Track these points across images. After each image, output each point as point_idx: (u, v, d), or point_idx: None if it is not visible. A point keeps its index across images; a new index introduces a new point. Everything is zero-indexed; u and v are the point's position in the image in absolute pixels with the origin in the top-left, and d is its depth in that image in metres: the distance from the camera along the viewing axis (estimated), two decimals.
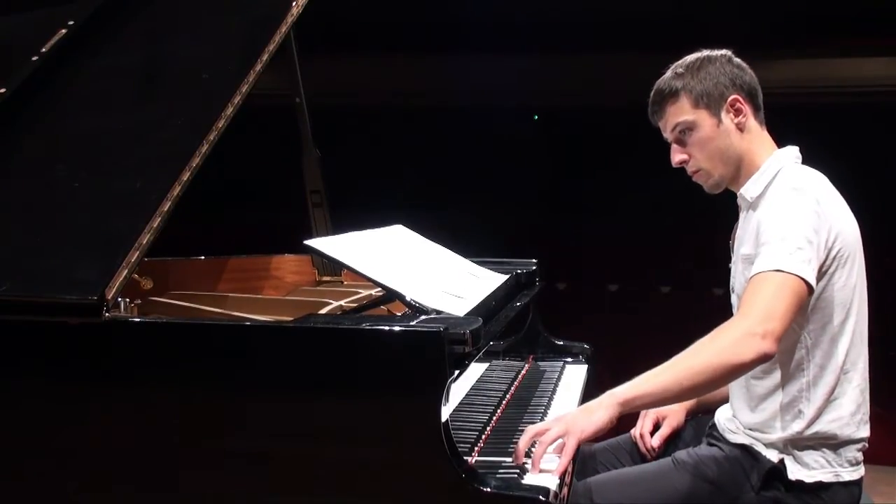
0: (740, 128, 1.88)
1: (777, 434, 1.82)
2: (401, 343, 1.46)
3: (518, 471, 1.64)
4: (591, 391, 2.35)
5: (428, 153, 4.81)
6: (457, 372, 1.47)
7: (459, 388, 2.07)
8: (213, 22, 2.18)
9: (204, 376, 1.53)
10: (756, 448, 1.85)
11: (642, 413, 2.14)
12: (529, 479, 1.60)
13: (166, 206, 1.65)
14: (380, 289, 1.85)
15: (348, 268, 1.81)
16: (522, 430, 1.89)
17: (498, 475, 1.61)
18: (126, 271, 1.56)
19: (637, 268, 4.91)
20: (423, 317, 1.61)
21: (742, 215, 1.95)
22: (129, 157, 1.84)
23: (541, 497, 1.43)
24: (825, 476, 1.80)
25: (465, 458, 1.48)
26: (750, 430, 1.88)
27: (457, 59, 4.69)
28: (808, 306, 1.76)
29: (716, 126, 1.87)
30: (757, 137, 1.91)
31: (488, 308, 1.84)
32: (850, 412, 1.84)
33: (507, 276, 2.24)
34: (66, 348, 1.57)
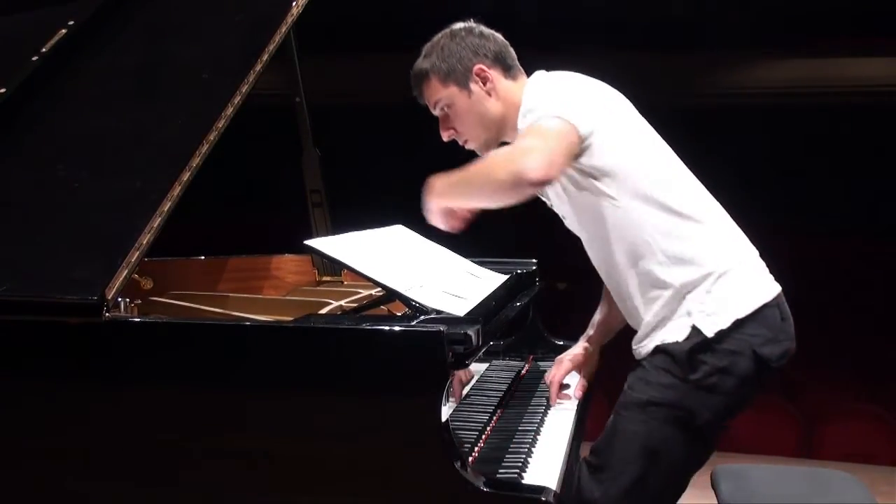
0: (490, 93, 2.00)
1: (667, 304, 1.83)
2: (401, 343, 1.46)
3: (518, 470, 1.64)
4: (591, 391, 2.35)
5: (428, 153, 4.80)
6: (457, 372, 1.47)
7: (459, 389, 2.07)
8: (213, 22, 2.18)
9: (204, 376, 1.54)
10: (666, 341, 1.84)
11: (556, 361, 2.21)
12: (529, 478, 1.61)
13: (166, 206, 1.65)
14: (380, 289, 1.85)
15: (348, 268, 1.81)
16: (522, 430, 1.89)
17: (498, 475, 1.61)
18: (126, 271, 1.56)
19: None
20: (423, 317, 1.61)
21: None
22: (129, 157, 1.84)
23: (541, 497, 1.43)
24: (739, 312, 1.80)
25: (465, 458, 1.48)
26: (646, 330, 1.88)
27: None
28: (604, 173, 1.83)
29: (467, 97, 2.00)
30: (512, 91, 2.01)
31: (488, 308, 1.84)
32: (708, 238, 1.87)
33: (507, 276, 2.24)
34: (66, 348, 1.57)
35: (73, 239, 1.69)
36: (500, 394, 2.13)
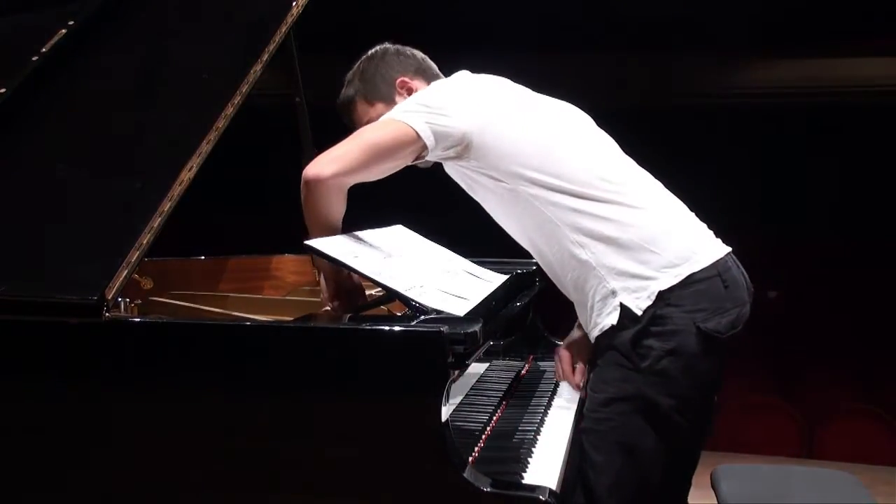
0: None
1: (591, 278, 1.82)
2: (401, 343, 1.46)
3: (518, 470, 1.64)
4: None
5: None
6: (457, 372, 1.47)
7: (459, 388, 2.07)
8: (213, 22, 2.18)
9: (204, 376, 1.54)
10: (603, 327, 1.82)
11: (557, 353, 2.19)
12: (529, 478, 1.61)
13: (166, 206, 1.65)
14: (380, 289, 1.85)
15: (348, 268, 1.81)
16: (522, 430, 1.89)
17: (498, 475, 1.61)
18: (126, 271, 1.56)
19: None
20: (423, 317, 1.61)
21: None
22: (129, 157, 1.84)
23: (541, 497, 1.43)
24: (663, 283, 1.77)
25: (465, 458, 1.48)
26: (588, 303, 1.86)
27: (457, 58, 4.69)
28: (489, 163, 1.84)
29: None
30: None
31: (488, 308, 1.84)
32: (623, 211, 1.83)
33: (507, 276, 2.24)
34: (66, 348, 1.57)
35: (73, 239, 1.69)
36: (500, 394, 2.13)
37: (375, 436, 1.46)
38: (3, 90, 1.98)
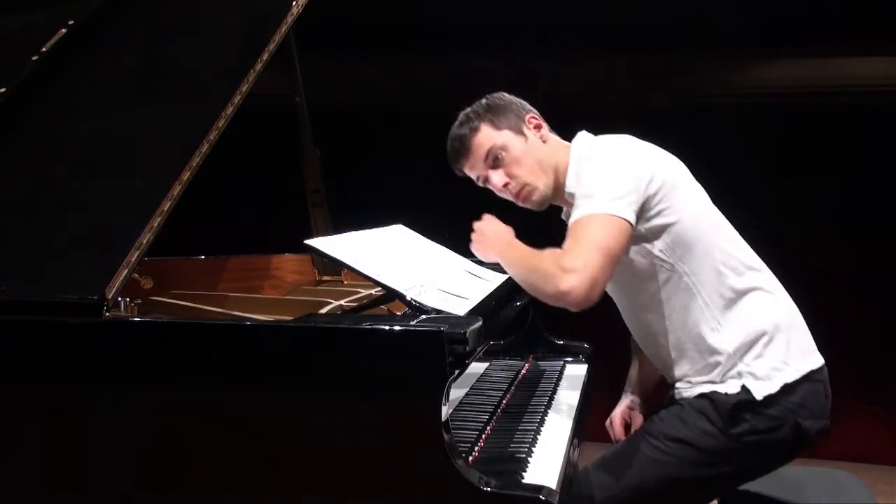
0: (544, 139, 2.01)
1: (717, 366, 1.85)
2: (401, 343, 1.46)
3: (518, 470, 1.64)
4: (591, 391, 2.35)
5: (427, 153, 4.80)
6: (457, 372, 1.47)
7: (459, 388, 2.07)
8: (213, 22, 2.18)
9: (204, 376, 1.54)
10: (714, 390, 1.86)
11: (608, 427, 2.22)
12: (529, 478, 1.61)
13: (166, 206, 1.65)
14: (380, 288, 1.85)
15: (348, 267, 1.81)
16: (522, 430, 1.89)
17: (498, 475, 1.61)
18: (126, 271, 1.56)
19: None
20: (423, 316, 1.61)
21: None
22: (129, 157, 1.84)
23: (541, 497, 1.43)
24: (787, 377, 1.84)
25: (465, 457, 1.48)
26: (694, 378, 1.90)
27: (457, 58, 4.69)
28: (665, 242, 1.85)
29: (524, 142, 1.99)
30: (558, 145, 2.03)
31: (488, 308, 1.84)
32: (761, 303, 1.89)
33: (507, 276, 2.24)
34: (66, 348, 1.57)
35: (73, 239, 1.69)
36: (500, 394, 2.13)
37: (375, 435, 1.46)
38: (3, 90, 1.98)
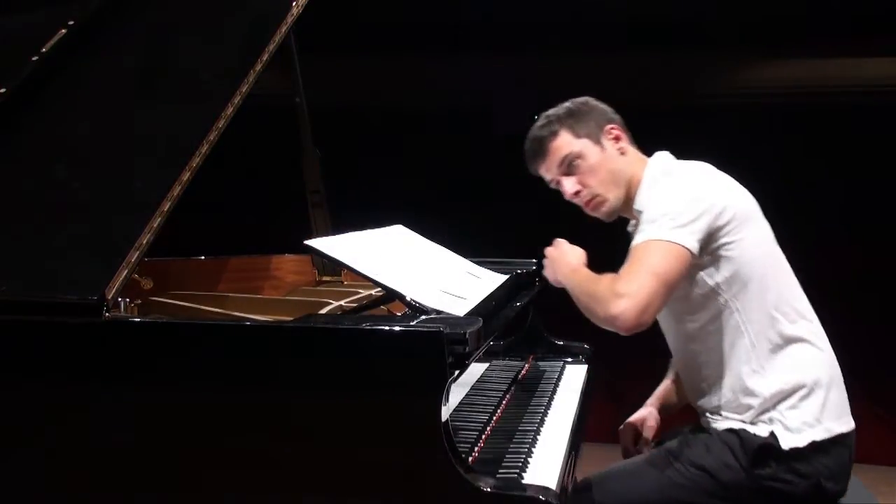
0: (622, 152, 2.00)
1: (750, 408, 1.86)
2: (401, 343, 1.46)
3: (518, 470, 1.64)
4: (591, 391, 2.35)
5: (427, 153, 4.81)
6: (457, 372, 1.47)
7: (459, 388, 2.07)
8: (213, 22, 2.18)
9: (204, 376, 1.54)
10: (744, 428, 1.86)
11: (620, 433, 2.23)
12: (529, 478, 1.61)
13: (166, 206, 1.65)
14: (380, 289, 1.85)
15: (348, 268, 1.81)
16: (522, 430, 1.89)
17: (498, 475, 1.61)
18: (126, 271, 1.56)
19: None
20: (423, 317, 1.61)
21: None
22: (129, 157, 1.84)
23: (541, 497, 1.43)
24: (817, 435, 1.83)
25: (465, 458, 1.48)
26: (724, 412, 1.91)
27: (456, 58, 4.69)
28: (724, 276, 1.84)
29: (601, 152, 1.98)
30: (636, 159, 2.01)
31: (488, 308, 1.84)
32: (807, 355, 1.89)
33: (507, 276, 2.24)
34: (66, 348, 1.57)
35: (73, 239, 1.69)
36: (500, 394, 2.13)
37: (375, 436, 1.46)
38: (3, 90, 1.98)
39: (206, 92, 1.94)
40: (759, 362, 1.86)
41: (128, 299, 1.83)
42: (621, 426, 2.23)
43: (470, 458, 1.66)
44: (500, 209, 4.87)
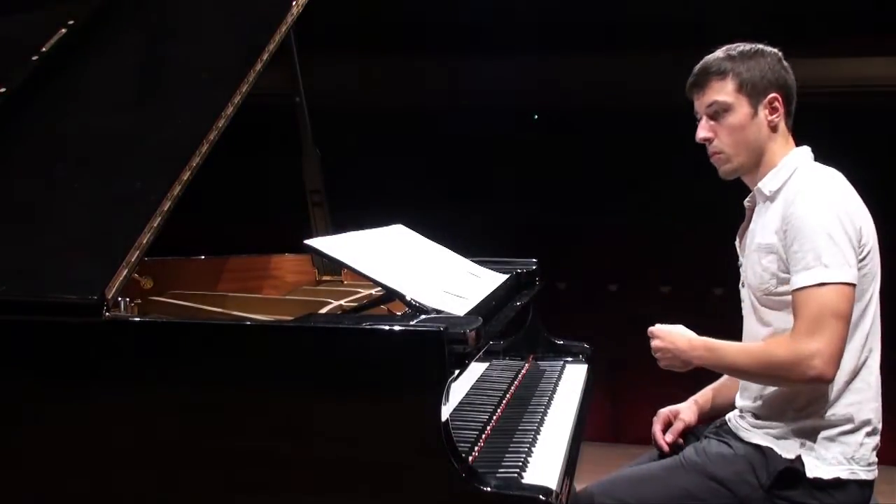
0: (771, 125, 1.93)
1: (787, 425, 1.84)
2: (401, 343, 1.46)
3: (518, 470, 1.64)
4: (591, 391, 2.35)
5: (428, 153, 4.81)
6: (457, 372, 1.47)
7: (459, 388, 2.07)
8: (213, 22, 2.18)
9: (204, 376, 1.53)
10: (771, 446, 1.85)
11: (655, 420, 2.19)
12: (529, 478, 1.61)
13: (166, 205, 1.65)
14: (380, 288, 1.85)
15: (348, 267, 1.81)
16: (522, 430, 1.89)
17: (498, 475, 1.61)
18: (126, 271, 1.56)
19: (637, 268, 4.91)
20: (423, 316, 1.61)
21: (757, 208, 1.98)
22: (129, 157, 1.84)
23: (541, 497, 1.43)
24: (843, 473, 1.81)
25: (465, 457, 1.48)
26: (761, 421, 1.89)
27: (456, 59, 4.69)
28: None
29: (751, 116, 1.92)
30: (782, 138, 1.96)
31: (488, 308, 1.84)
32: (868, 395, 1.86)
33: (507, 276, 2.24)
34: (66, 348, 1.57)
35: (73, 239, 1.69)
36: (500, 394, 2.13)
37: (375, 435, 1.46)
38: (3, 90, 1.98)
39: (206, 92, 1.94)
40: (830, 387, 1.81)
41: (128, 299, 1.83)
42: (656, 416, 2.20)
43: (470, 458, 1.66)
44: (500, 209, 4.87)
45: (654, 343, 1.93)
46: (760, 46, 1.96)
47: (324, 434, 1.48)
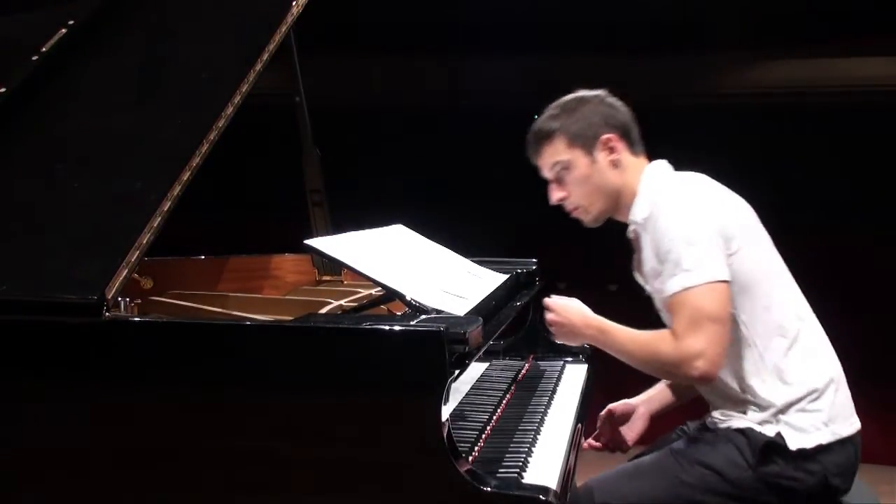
0: (614, 164, 1.97)
1: (760, 412, 1.87)
2: (401, 343, 1.46)
3: (518, 470, 1.64)
4: (591, 391, 2.35)
5: (427, 153, 4.81)
6: (457, 372, 1.47)
7: (459, 388, 2.07)
8: (213, 21, 2.18)
9: (204, 376, 1.53)
10: (751, 426, 1.87)
11: (599, 423, 2.25)
12: (529, 478, 1.61)
13: (166, 206, 1.65)
14: (380, 288, 1.85)
15: (348, 267, 1.81)
16: (522, 430, 1.89)
17: (498, 475, 1.61)
18: (126, 271, 1.56)
19: None
20: (423, 316, 1.61)
21: (641, 237, 1.99)
22: (129, 157, 1.83)
23: (541, 497, 1.43)
24: (824, 437, 1.84)
25: (465, 457, 1.48)
26: (734, 412, 1.92)
27: (457, 59, 4.69)
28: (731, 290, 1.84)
29: (590, 164, 1.97)
30: (632, 169, 1.98)
31: (488, 308, 1.84)
32: (819, 357, 1.91)
33: (507, 276, 2.24)
34: (66, 348, 1.57)
35: (73, 239, 1.69)
36: (500, 394, 2.13)
37: (375, 435, 1.46)
38: (3, 90, 1.98)
39: (206, 92, 1.94)
40: (769, 372, 1.87)
41: (128, 299, 1.83)
42: (604, 411, 2.25)
43: (470, 458, 1.66)
44: (500, 209, 4.86)
45: (549, 316, 1.98)
46: (581, 94, 2.01)
47: (324, 434, 1.48)
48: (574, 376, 2.45)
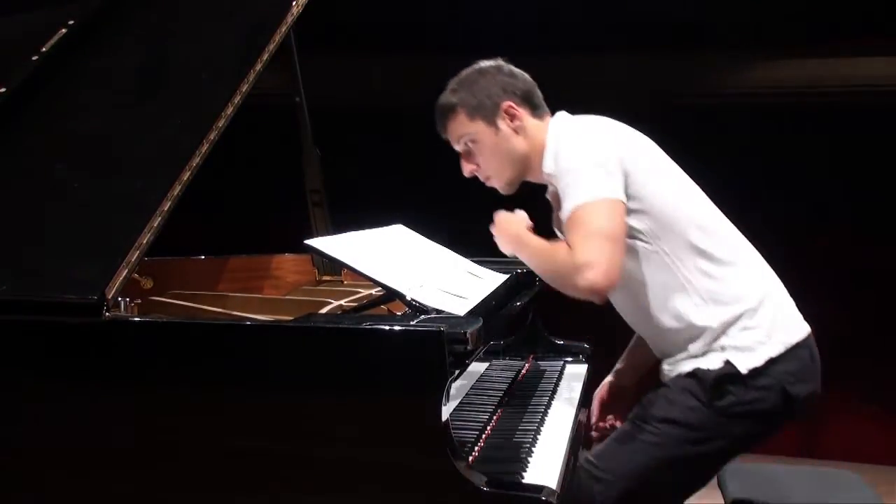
0: (517, 130, 1.99)
1: (700, 341, 1.87)
2: (401, 343, 1.46)
3: (518, 470, 1.64)
4: (591, 391, 2.35)
5: (427, 153, 4.80)
6: (457, 372, 1.47)
7: (459, 388, 2.07)
8: (213, 22, 2.18)
9: (204, 376, 1.54)
10: (697, 366, 1.87)
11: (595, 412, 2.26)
12: (529, 478, 1.61)
13: (166, 206, 1.65)
14: (380, 288, 1.85)
15: (348, 267, 1.81)
16: (522, 430, 1.89)
17: (498, 475, 1.61)
18: (126, 271, 1.56)
19: None
20: (423, 316, 1.61)
21: (556, 199, 1.99)
22: (129, 157, 1.84)
23: (541, 497, 1.43)
24: (773, 350, 1.84)
25: (465, 458, 1.48)
26: (679, 354, 1.91)
27: (457, 59, 4.68)
28: (643, 222, 1.87)
29: (494, 134, 1.99)
30: (536, 131, 2.01)
31: (489, 307, 1.84)
32: (752, 271, 1.93)
33: (507, 276, 2.24)
34: (66, 348, 1.57)
35: (73, 239, 1.69)
36: (500, 394, 2.13)
37: (375, 435, 1.46)
38: (3, 90, 1.98)
39: (206, 92, 1.94)
40: (699, 295, 1.87)
41: (128, 299, 1.83)
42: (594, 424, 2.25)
43: (470, 458, 1.66)
44: (500, 209, 4.86)
45: (493, 228, 2.01)
46: (478, 66, 2.04)
47: (324, 434, 1.48)
48: (574, 376, 2.45)
